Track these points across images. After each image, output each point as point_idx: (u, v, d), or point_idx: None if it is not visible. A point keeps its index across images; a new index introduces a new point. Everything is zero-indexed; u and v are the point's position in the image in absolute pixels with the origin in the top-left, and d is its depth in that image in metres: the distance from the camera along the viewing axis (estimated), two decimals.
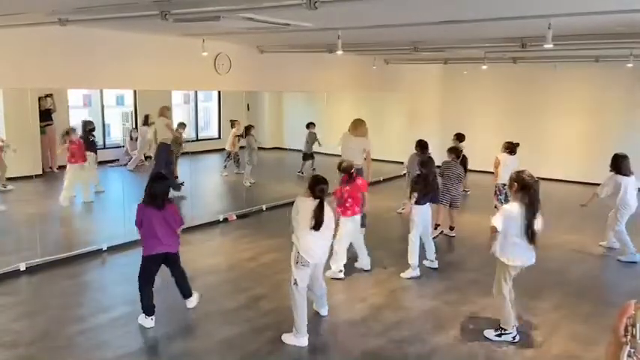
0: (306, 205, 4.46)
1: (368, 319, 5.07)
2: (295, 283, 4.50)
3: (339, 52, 6.10)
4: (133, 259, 6.73)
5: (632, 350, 1.36)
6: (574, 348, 4.58)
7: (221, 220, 8.30)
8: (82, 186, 8.77)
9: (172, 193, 6.81)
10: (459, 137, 10.09)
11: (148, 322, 4.80)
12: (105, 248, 6.80)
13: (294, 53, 8.83)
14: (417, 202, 6.14)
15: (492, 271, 6.33)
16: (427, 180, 6.30)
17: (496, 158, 8.40)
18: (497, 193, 8.57)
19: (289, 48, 8.53)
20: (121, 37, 6.77)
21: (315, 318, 5.01)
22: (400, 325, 4.94)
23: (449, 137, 10.64)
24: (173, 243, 4.84)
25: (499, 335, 4.64)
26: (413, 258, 6.12)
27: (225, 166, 11.32)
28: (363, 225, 6.73)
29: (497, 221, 4.41)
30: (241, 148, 10.70)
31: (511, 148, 8.42)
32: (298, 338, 4.54)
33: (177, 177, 9.48)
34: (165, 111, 9.37)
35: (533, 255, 4.52)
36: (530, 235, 4.36)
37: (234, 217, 8.53)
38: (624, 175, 6.82)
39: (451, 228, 7.85)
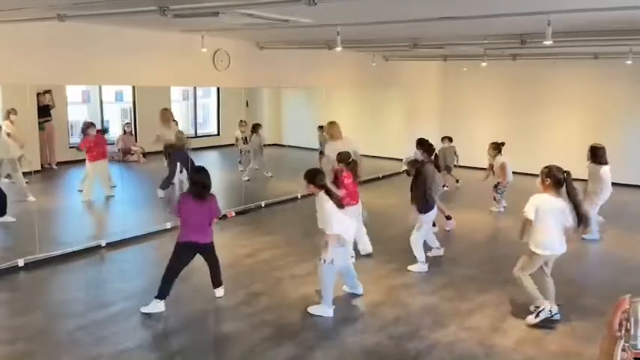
0: (323, 199, 4.84)
1: (366, 315, 5.08)
2: (332, 262, 4.83)
3: (339, 49, 6.09)
4: (132, 256, 6.77)
5: (627, 345, 1.37)
6: (573, 345, 4.59)
7: (220, 216, 8.29)
8: (102, 181, 8.84)
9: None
10: (449, 139, 10.38)
11: (160, 306, 4.92)
12: (104, 244, 6.80)
13: (293, 49, 8.81)
14: (424, 211, 6.20)
15: (490, 268, 6.40)
16: (425, 189, 6.27)
17: (504, 164, 8.73)
18: (500, 187, 8.80)
19: (288, 44, 8.52)
20: (119, 33, 6.76)
21: (314, 314, 5.02)
22: (398, 321, 4.95)
23: (448, 134, 10.68)
24: (207, 233, 5.07)
25: (537, 315, 4.76)
26: (420, 255, 6.22)
27: (240, 162, 11.36)
28: None
29: (527, 211, 4.67)
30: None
31: (500, 149, 8.88)
32: (327, 308, 4.94)
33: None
34: (170, 115, 9.28)
35: (563, 244, 4.76)
36: (584, 220, 4.75)
37: (233, 214, 8.53)
38: (606, 164, 7.28)
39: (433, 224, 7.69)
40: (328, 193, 4.90)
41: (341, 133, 7.43)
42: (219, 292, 5.36)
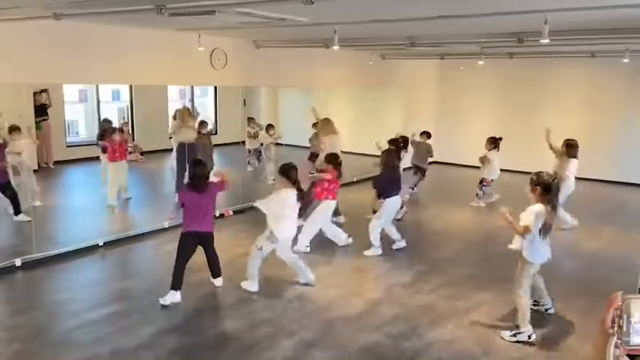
0: (289, 196, 5.25)
1: (364, 314, 5.08)
2: (260, 249, 5.40)
3: (336, 48, 6.10)
4: (130, 255, 6.76)
5: (619, 341, 1.37)
6: (568, 342, 4.61)
7: (217, 215, 8.29)
8: (121, 182, 8.84)
9: None
10: (427, 134, 10.29)
11: (177, 296, 5.10)
12: (101, 244, 6.79)
13: (290, 48, 8.81)
14: (387, 196, 6.55)
15: (488, 266, 6.40)
16: (393, 175, 6.72)
17: (486, 157, 8.98)
18: (485, 184, 9.10)
19: (286, 43, 8.51)
20: (116, 32, 6.74)
21: (312, 313, 5.03)
22: (396, 320, 4.95)
23: (446, 132, 10.69)
24: (208, 223, 5.26)
25: (514, 335, 4.56)
26: (376, 240, 6.59)
27: (249, 162, 11.38)
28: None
29: (530, 221, 4.34)
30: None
31: (497, 144, 8.91)
32: (251, 284, 5.46)
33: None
34: (189, 115, 9.33)
35: (548, 250, 4.63)
36: (547, 229, 4.49)
37: (231, 213, 8.53)
38: (575, 158, 7.82)
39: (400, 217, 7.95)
40: (300, 192, 5.25)
41: (334, 130, 8.06)
42: (218, 282, 5.54)
